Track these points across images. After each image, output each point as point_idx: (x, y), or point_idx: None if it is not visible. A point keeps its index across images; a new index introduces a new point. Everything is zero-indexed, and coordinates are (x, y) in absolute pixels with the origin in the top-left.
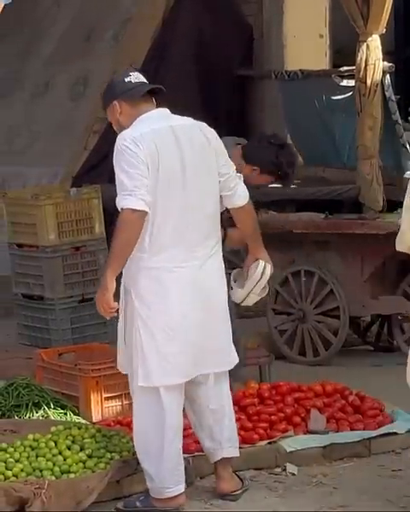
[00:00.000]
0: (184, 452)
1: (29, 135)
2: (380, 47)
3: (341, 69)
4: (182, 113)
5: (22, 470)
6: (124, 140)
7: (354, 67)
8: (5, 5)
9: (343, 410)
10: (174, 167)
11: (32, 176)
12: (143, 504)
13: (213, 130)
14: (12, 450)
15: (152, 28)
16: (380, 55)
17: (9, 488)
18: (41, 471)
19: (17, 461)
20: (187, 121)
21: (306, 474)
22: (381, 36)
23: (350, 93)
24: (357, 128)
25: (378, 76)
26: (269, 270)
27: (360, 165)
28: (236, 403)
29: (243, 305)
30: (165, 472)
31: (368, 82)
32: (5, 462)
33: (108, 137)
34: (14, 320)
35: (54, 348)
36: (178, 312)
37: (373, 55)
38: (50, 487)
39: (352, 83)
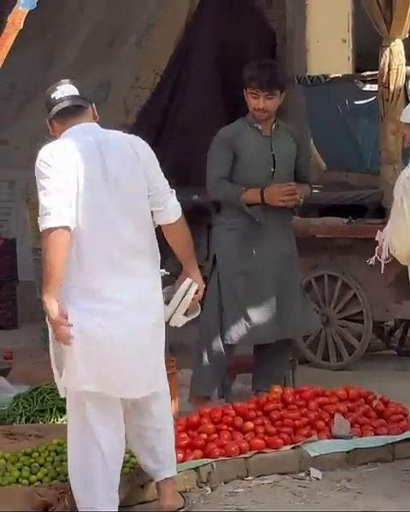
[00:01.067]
0: (207, 457)
1: (52, 140)
2: (403, 51)
3: (364, 74)
4: (205, 118)
5: (46, 475)
6: (40, 155)
7: (377, 72)
8: (29, 10)
9: (367, 415)
10: (97, 183)
11: None
12: None
13: (145, 143)
14: (36, 454)
15: (175, 33)
16: (403, 60)
17: (33, 492)
18: (65, 476)
19: (41, 465)
20: (115, 135)
21: (330, 478)
22: (404, 40)
23: (373, 98)
24: (380, 133)
25: (402, 81)
26: (194, 290)
27: (382, 169)
28: (259, 407)
29: (171, 324)
30: (99, 489)
31: (391, 87)
32: (29, 467)
33: None
34: (38, 325)
35: None
36: (109, 331)
37: (396, 60)
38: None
39: (375, 87)
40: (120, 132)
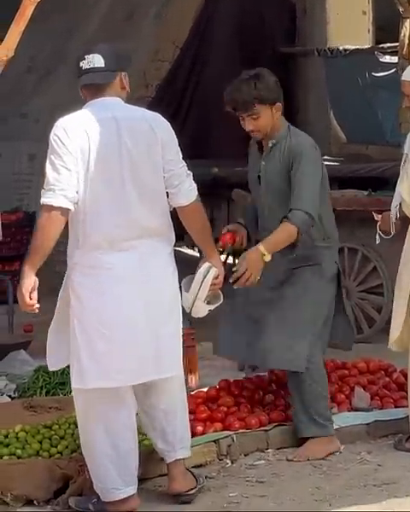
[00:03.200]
0: (227, 430)
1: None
2: None
3: (384, 46)
4: (224, 91)
5: (67, 447)
6: (55, 127)
7: (397, 44)
8: None
9: (387, 388)
10: (110, 160)
11: None
12: (96, 508)
13: (167, 123)
14: (57, 427)
15: (194, 6)
16: None
17: (54, 465)
18: None
19: (62, 438)
20: (136, 113)
21: (350, 451)
22: None
23: (393, 70)
24: (400, 105)
25: None
26: (212, 274)
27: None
28: (280, 380)
29: (193, 315)
30: (112, 473)
31: None
32: (50, 439)
33: None
34: (57, 298)
35: None
36: (113, 310)
37: None
38: None
39: (395, 59)
40: (142, 109)
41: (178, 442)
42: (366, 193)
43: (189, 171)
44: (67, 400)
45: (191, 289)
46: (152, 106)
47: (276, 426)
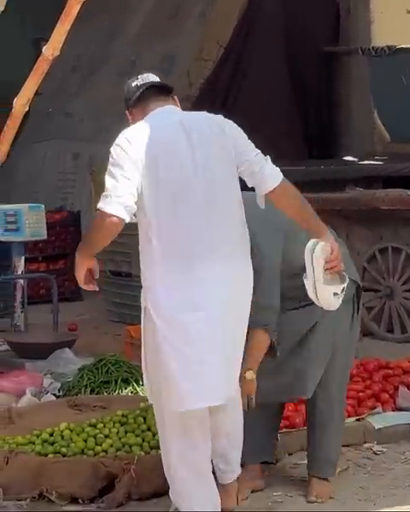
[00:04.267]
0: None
1: (116, 113)
2: None
3: None
4: (269, 89)
5: (112, 446)
6: (117, 140)
7: None
8: None
9: None
10: (180, 164)
11: None
12: None
13: (228, 120)
14: (102, 425)
15: (239, 5)
16: None
17: (99, 463)
18: (130, 447)
19: (107, 436)
20: (199, 115)
21: (394, 450)
22: None
23: None
24: None
25: None
26: (321, 249)
27: None
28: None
29: (326, 308)
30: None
31: None
32: (95, 438)
33: None
34: (102, 297)
35: None
36: (204, 326)
37: None
38: (139, 463)
39: None
40: (204, 112)
41: (236, 463)
42: None
43: (266, 156)
44: (111, 399)
45: (307, 273)
46: (196, 105)
47: None
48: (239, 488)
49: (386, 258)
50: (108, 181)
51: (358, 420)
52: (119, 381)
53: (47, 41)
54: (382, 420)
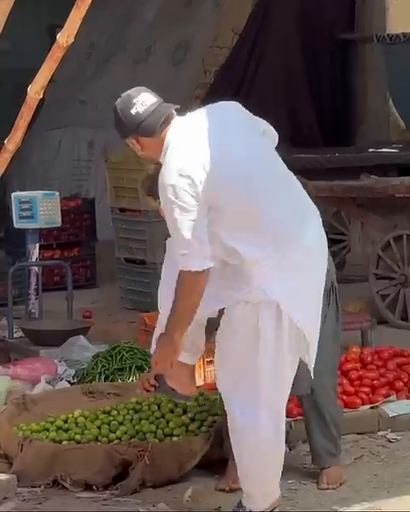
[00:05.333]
0: (285, 416)
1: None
2: None
3: None
4: (284, 76)
5: (126, 433)
6: (169, 178)
7: None
8: None
9: None
10: (236, 169)
11: None
12: None
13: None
14: (116, 413)
15: None
16: None
17: (113, 450)
18: (144, 434)
19: (121, 423)
20: (217, 108)
21: (408, 438)
22: None
23: None
24: None
25: None
26: None
27: None
28: (338, 367)
29: None
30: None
31: None
32: (109, 425)
33: (210, 103)
34: (117, 284)
35: (156, 312)
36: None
37: None
38: (153, 450)
39: None
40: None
41: None
42: None
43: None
44: (125, 386)
45: None
46: (210, 92)
47: None
48: (233, 478)
49: (401, 246)
50: (179, 229)
51: (372, 408)
52: (133, 368)
53: (61, 28)
54: (396, 408)
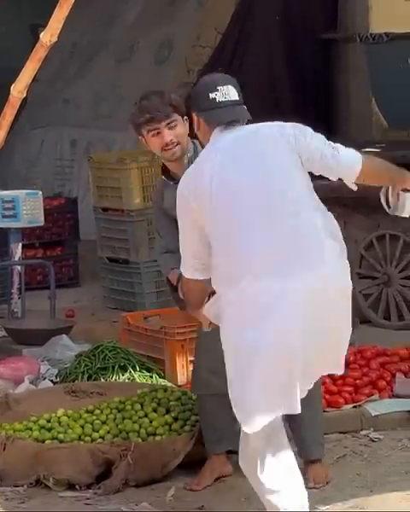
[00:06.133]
0: None
1: (114, 99)
2: None
3: None
4: (267, 76)
5: (109, 432)
6: (180, 185)
7: None
8: None
9: None
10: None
11: (118, 140)
12: None
13: (276, 123)
14: (99, 412)
15: None
16: None
17: (96, 449)
18: (127, 433)
19: (104, 423)
20: (248, 131)
21: (391, 438)
22: None
23: None
24: None
25: None
26: None
27: None
28: None
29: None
30: None
31: None
32: (92, 424)
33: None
34: (99, 284)
35: (139, 311)
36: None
37: None
38: (136, 449)
39: None
40: (263, 125)
41: None
42: None
43: (335, 144)
44: (108, 385)
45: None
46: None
47: None
48: (206, 475)
49: (383, 246)
50: (181, 241)
51: (355, 407)
52: (116, 367)
53: (44, 27)
54: (379, 407)
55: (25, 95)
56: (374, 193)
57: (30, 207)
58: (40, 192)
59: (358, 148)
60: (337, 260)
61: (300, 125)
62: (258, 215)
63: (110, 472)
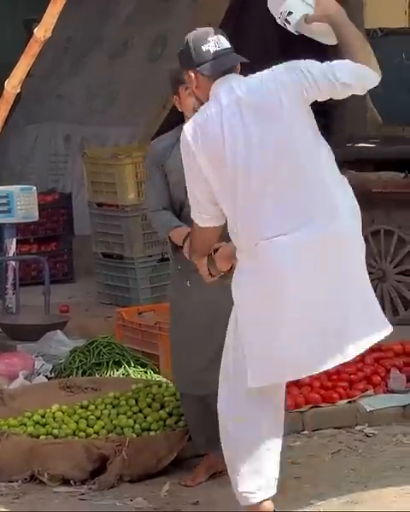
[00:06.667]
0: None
1: (108, 95)
2: None
3: None
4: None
5: (103, 427)
6: (183, 134)
7: None
8: None
9: None
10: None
11: (112, 136)
12: None
13: (275, 67)
14: (93, 407)
15: None
16: None
17: (91, 445)
18: (122, 429)
19: (98, 418)
20: (253, 82)
21: (385, 433)
22: None
23: None
24: None
25: None
26: None
27: None
28: None
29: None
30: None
31: None
32: (87, 420)
33: None
34: (94, 279)
35: (134, 307)
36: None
37: None
38: (131, 445)
39: None
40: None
41: None
42: (402, 175)
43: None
44: (103, 381)
45: None
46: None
47: (312, 407)
48: (202, 472)
49: (378, 241)
50: (189, 187)
51: (350, 402)
52: (110, 363)
53: (38, 22)
54: (373, 402)
55: (19, 90)
56: (369, 188)
57: (24, 203)
58: (34, 187)
59: (353, 143)
60: (350, 219)
61: (292, 66)
62: (269, 173)
63: (105, 467)
